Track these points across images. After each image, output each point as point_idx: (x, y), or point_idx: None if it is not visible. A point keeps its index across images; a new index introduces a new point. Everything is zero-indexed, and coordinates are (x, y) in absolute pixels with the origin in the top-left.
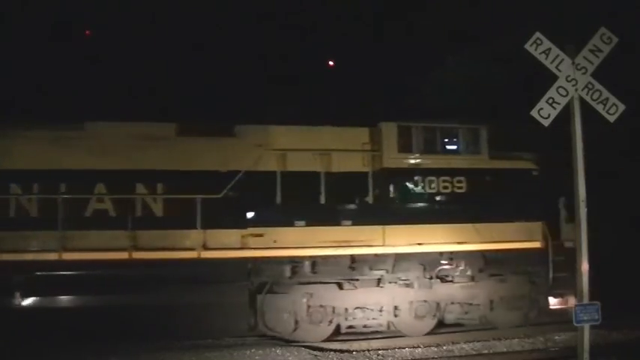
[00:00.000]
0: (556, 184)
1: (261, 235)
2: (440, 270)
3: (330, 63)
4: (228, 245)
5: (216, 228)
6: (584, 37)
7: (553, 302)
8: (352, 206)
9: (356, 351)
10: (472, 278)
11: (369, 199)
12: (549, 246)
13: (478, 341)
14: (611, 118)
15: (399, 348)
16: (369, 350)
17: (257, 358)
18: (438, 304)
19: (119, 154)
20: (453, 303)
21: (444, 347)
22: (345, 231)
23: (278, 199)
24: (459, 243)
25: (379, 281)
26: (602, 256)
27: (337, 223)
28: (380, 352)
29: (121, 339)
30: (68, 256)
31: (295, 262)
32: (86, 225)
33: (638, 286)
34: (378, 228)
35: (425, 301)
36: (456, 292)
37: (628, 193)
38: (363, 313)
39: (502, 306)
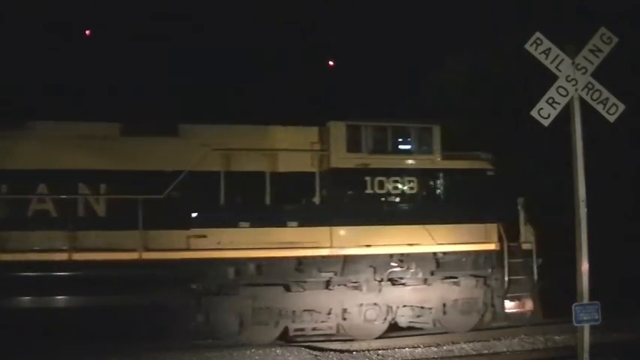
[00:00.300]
0: (514, 185)
1: (204, 236)
2: (390, 272)
3: (330, 63)
4: (170, 246)
5: (158, 229)
6: (585, 37)
7: (510, 306)
8: (299, 207)
9: (356, 351)
10: (424, 281)
11: (316, 199)
12: (505, 248)
13: (478, 341)
14: (611, 118)
15: (399, 348)
16: (369, 350)
17: (257, 358)
18: (388, 307)
19: (62, 153)
20: (404, 306)
21: (444, 347)
22: (291, 232)
23: (222, 200)
24: (409, 245)
25: (328, 283)
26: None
27: (283, 225)
28: (380, 352)
29: (67, 341)
30: (6, 257)
31: (240, 263)
32: (27, 225)
33: (638, 286)
34: (325, 229)
35: (375, 304)
36: (408, 295)
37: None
38: (311, 316)
39: (456, 309)
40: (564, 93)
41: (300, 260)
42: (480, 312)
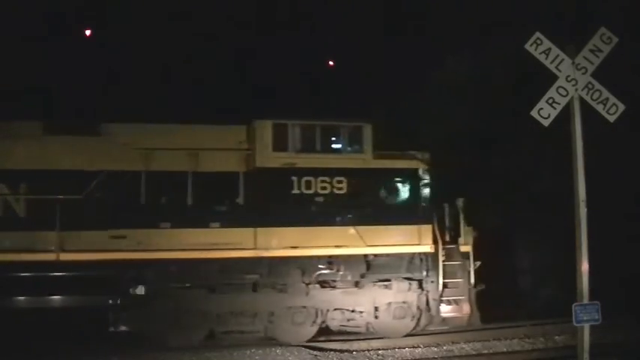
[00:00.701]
0: (453, 185)
1: (123, 237)
2: (319, 275)
3: (330, 63)
4: (89, 247)
5: (77, 229)
6: (584, 37)
7: (446, 309)
8: (222, 208)
9: (356, 351)
10: (355, 284)
11: (240, 200)
12: (439, 250)
13: (478, 341)
14: (611, 118)
15: (399, 348)
16: (369, 350)
17: (257, 358)
18: (317, 310)
19: None
20: (335, 309)
21: (444, 347)
22: (214, 233)
23: (142, 200)
24: (337, 247)
25: (255, 286)
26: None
27: (205, 226)
28: (380, 351)
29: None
30: None
31: (161, 265)
32: None
33: (638, 286)
34: (249, 231)
35: (304, 307)
36: (338, 298)
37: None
38: (236, 318)
39: (389, 313)
40: (564, 93)
41: (223, 262)
42: (414, 316)
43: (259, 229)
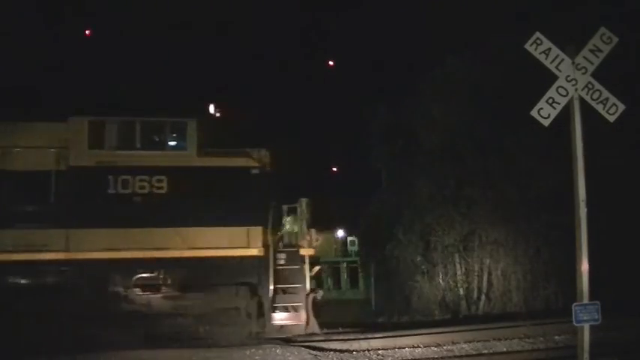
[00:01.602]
0: (293, 185)
1: None
2: (138, 279)
3: (330, 63)
4: None
5: None
6: (584, 37)
7: (281, 317)
8: (32, 208)
9: (356, 351)
10: (178, 288)
11: (52, 200)
12: (270, 254)
13: (478, 341)
14: (611, 118)
15: (399, 348)
16: (369, 350)
17: (257, 358)
18: (139, 316)
19: None
20: (157, 314)
21: (444, 347)
22: (24, 235)
23: None
24: (157, 249)
25: (69, 290)
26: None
27: (12, 226)
28: (380, 351)
29: None
30: None
31: None
32: None
33: (638, 286)
34: (61, 232)
35: (125, 311)
36: (159, 304)
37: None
38: (45, 324)
39: (215, 320)
40: (564, 93)
41: (33, 264)
42: (244, 323)
43: (72, 231)
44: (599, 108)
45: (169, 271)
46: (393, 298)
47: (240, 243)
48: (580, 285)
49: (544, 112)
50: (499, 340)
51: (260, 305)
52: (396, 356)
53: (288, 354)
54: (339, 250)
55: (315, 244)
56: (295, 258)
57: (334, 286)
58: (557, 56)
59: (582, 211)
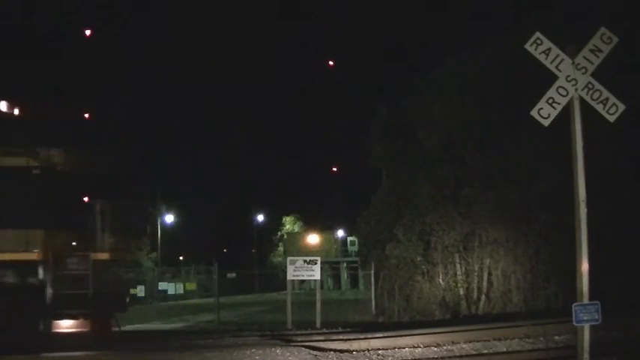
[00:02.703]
0: (86, 186)
1: None
2: None
3: (330, 63)
4: None
5: None
6: (584, 37)
7: (64, 324)
8: None
9: (356, 351)
10: None
11: None
12: (50, 258)
13: (478, 341)
14: (611, 118)
15: (399, 348)
16: (368, 350)
17: (257, 358)
18: None
19: None
20: None
21: (444, 347)
22: None
23: None
24: None
25: None
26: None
27: None
28: (380, 351)
29: None
30: None
31: None
32: None
33: (638, 286)
34: None
35: None
36: None
37: None
38: None
39: None
40: (564, 93)
41: None
42: (23, 330)
43: None
44: (599, 108)
45: None
46: (393, 298)
47: (15, 247)
48: (580, 285)
49: (544, 112)
50: (499, 340)
51: (39, 311)
52: (396, 356)
53: (288, 354)
54: (339, 250)
55: (108, 248)
56: (85, 262)
57: (334, 286)
58: (557, 56)
59: (582, 211)
